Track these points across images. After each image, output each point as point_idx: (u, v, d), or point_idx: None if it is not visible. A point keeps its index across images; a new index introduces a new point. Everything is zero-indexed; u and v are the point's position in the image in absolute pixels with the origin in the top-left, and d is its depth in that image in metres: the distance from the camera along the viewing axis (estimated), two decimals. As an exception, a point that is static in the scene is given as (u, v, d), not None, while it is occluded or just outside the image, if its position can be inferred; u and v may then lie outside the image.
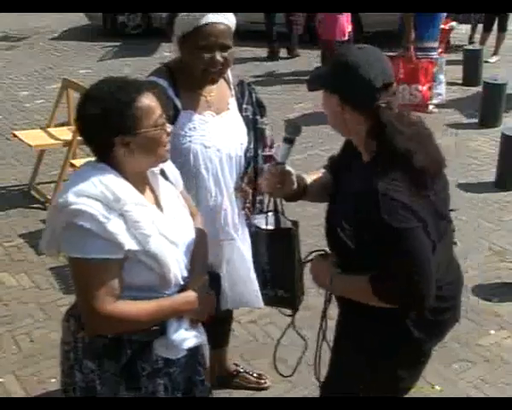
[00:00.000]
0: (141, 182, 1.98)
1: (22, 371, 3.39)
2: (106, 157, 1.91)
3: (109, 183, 1.86)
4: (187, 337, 1.98)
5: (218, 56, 2.47)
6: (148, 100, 1.91)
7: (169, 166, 2.16)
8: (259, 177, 2.71)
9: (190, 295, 1.99)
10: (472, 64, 8.36)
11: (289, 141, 2.21)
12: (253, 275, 2.78)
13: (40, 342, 3.58)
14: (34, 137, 5.43)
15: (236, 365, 3.28)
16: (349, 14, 8.03)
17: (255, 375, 3.26)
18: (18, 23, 11.91)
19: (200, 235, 2.17)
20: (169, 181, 2.14)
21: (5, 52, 10.52)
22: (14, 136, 5.62)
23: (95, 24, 11.60)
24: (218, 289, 2.34)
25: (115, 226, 1.82)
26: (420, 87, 7.01)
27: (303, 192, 2.29)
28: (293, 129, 2.22)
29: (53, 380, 3.20)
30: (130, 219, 1.85)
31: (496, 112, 6.91)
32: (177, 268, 1.96)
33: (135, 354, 1.96)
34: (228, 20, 2.49)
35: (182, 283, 1.99)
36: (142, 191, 1.97)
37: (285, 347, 3.10)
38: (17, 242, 4.66)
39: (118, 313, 1.86)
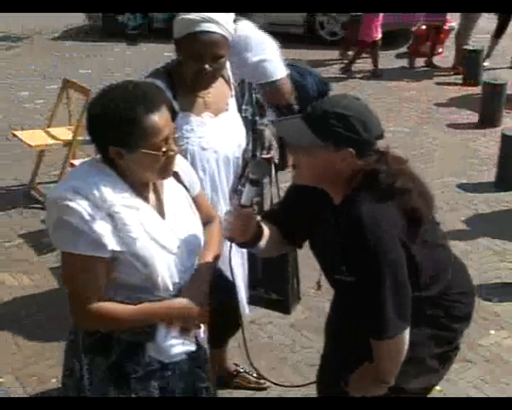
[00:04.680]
0: (143, 185, 1.94)
1: (22, 371, 3.39)
2: (105, 158, 1.89)
3: (102, 183, 1.84)
4: (174, 344, 1.96)
5: (208, 66, 2.45)
6: (155, 119, 1.82)
7: (184, 168, 2.10)
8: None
9: (181, 302, 1.95)
10: (472, 64, 8.36)
11: (255, 183, 2.00)
12: (244, 280, 2.78)
13: (40, 342, 3.58)
14: (34, 137, 5.42)
15: (236, 365, 3.28)
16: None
17: (255, 375, 3.26)
18: (18, 23, 11.89)
19: (212, 242, 2.12)
20: (182, 184, 2.08)
21: (5, 52, 10.50)
22: (14, 136, 5.62)
23: (95, 24, 11.60)
24: (234, 297, 2.29)
25: (100, 226, 1.80)
26: None
27: (259, 239, 2.08)
28: (259, 169, 2.03)
29: (53, 380, 3.20)
30: (119, 221, 1.83)
31: (496, 112, 6.91)
32: (167, 273, 1.91)
33: (123, 353, 1.95)
34: (223, 29, 2.45)
35: (171, 288, 1.94)
36: (143, 194, 1.93)
37: (286, 346, 3.10)
38: (17, 242, 4.65)
39: (101, 311, 1.86)
